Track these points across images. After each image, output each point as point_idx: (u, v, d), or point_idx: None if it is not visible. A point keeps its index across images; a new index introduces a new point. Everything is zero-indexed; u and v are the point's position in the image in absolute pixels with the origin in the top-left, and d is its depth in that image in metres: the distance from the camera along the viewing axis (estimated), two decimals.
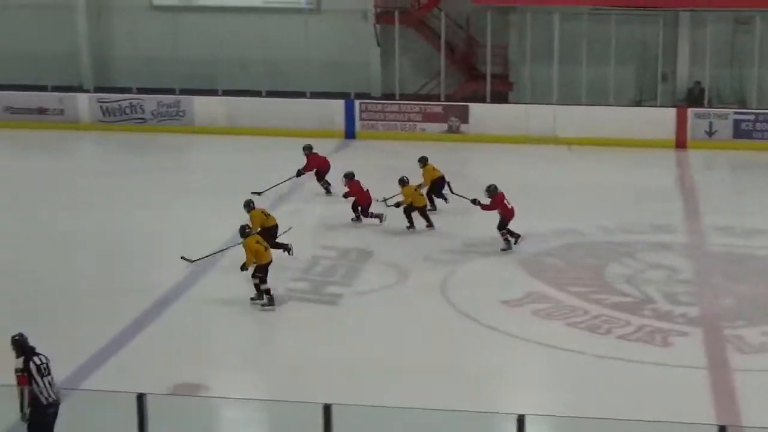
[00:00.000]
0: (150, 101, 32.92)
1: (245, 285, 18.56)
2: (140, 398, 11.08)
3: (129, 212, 23.17)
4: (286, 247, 20.15)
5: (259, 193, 23.12)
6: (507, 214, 21.17)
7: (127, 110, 33.00)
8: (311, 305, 18.50)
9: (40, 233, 22.12)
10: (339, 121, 32.06)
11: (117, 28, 35.17)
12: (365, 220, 22.71)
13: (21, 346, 12.90)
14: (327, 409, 10.92)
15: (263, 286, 18.25)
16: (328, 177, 25.20)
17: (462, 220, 22.74)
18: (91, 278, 19.88)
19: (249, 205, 20.48)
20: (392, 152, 29.76)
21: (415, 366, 15.84)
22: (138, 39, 34.51)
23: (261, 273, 18.25)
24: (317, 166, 25.31)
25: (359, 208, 22.93)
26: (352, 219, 22.90)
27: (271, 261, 18.43)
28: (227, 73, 33.77)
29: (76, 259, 21.21)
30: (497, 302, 18.47)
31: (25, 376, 12.69)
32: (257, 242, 18.33)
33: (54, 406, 12.71)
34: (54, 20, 34.34)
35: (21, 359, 12.78)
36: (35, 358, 12.80)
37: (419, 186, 22.97)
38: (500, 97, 32.97)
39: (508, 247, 21.15)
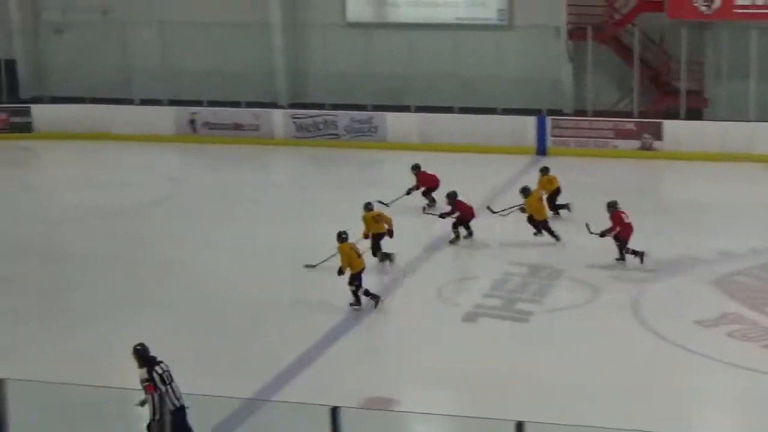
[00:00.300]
0: (343, 117, 33.43)
1: (437, 300, 18.67)
2: (334, 411, 11.16)
3: (321, 226, 23.52)
4: (389, 257, 21.00)
5: (387, 204, 23.40)
6: (625, 232, 21.08)
7: (321, 126, 33.58)
8: (502, 322, 18.48)
9: (242, 246, 22.62)
10: (530, 138, 31.95)
11: (312, 44, 35.76)
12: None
13: (142, 356, 13.28)
14: (519, 426, 10.86)
15: (359, 291, 18.69)
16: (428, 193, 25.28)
17: (651, 241, 22.38)
18: (286, 290, 20.24)
19: (367, 207, 21.36)
20: (583, 169, 29.51)
21: (607, 385, 15.65)
22: (332, 55, 35.01)
23: (356, 280, 18.70)
24: (426, 183, 25.35)
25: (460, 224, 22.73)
26: (450, 241, 22.72)
27: (365, 268, 18.88)
28: (420, 89, 33.95)
29: (274, 271, 21.61)
30: (691, 322, 18.09)
31: (151, 385, 13.04)
32: (351, 248, 18.88)
33: (181, 410, 13.02)
34: (251, 38, 35.12)
35: (144, 369, 13.13)
36: (157, 368, 13.16)
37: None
38: (695, 114, 32.34)
39: (622, 258, 21.16)
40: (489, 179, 25.14)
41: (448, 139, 32.12)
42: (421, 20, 34.81)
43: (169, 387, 13.04)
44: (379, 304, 18.84)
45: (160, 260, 22.18)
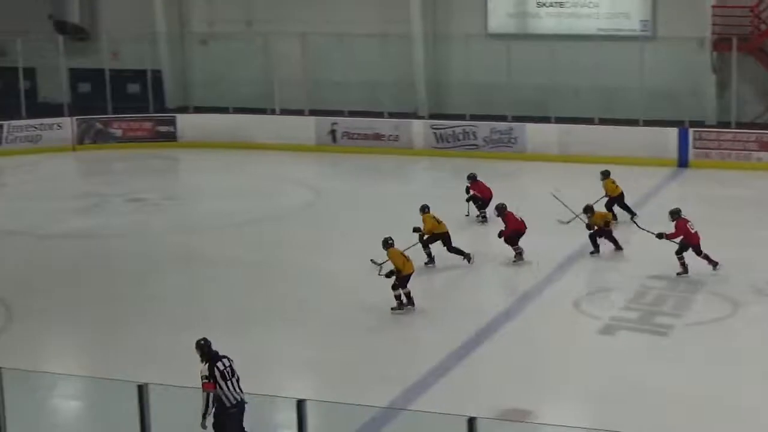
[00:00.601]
0: (483, 128, 33.44)
1: (575, 312, 18.58)
2: (471, 422, 11.16)
3: (459, 236, 23.53)
4: (467, 255, 21.71)
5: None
6: (692, 239, 20.92)
7: (460, 137, 33.65)
8: (640, 335, 18.28)
9: (381, 255, 22.75)
10: (672, 150, 31.55)
11: (452, 56, 35.82)
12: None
13: (205, 351, 13.50)
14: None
15: (396, 292, 19.25)
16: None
17: None
18: (425, 298, 20.32)
19: (424, 210, 22.24)
20: (725, 181, 29.02)
21: (752, 404, 15.37)
22: (472, 66, 35.02)
23: (401, 284, 19.27)
24: (481, 194, 25.37)
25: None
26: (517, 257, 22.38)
27: (413, 272, 19.41)
28: (560, 100, 33.76)
29: (412, 280, 21.69)
30: None
31: (210, 382, 13.20)
32: (401, 253, 19.53)
33: (238, 406, 13.19)
34: (392, 49, 35.35)
35: (206, 365, 13.33)
36: (219, 363, 13.34)
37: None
38: None
39: (684, 271, 20.96)
40: (629, 192, 24.88)
41: (587, 151, 31.88)
42: (562, 31, 34.64)
43: (229, 383, 13.25)
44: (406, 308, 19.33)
45: (298, 269, 22.46)
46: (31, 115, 36.02)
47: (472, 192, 25.55)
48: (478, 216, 25.46)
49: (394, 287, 19.40)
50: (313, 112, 35.61)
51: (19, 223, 26.64)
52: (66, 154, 35.37)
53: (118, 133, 36.23)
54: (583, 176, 27.34)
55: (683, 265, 21.05)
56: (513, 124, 33.27)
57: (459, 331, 18.25)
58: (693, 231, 21.10)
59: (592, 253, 22.53)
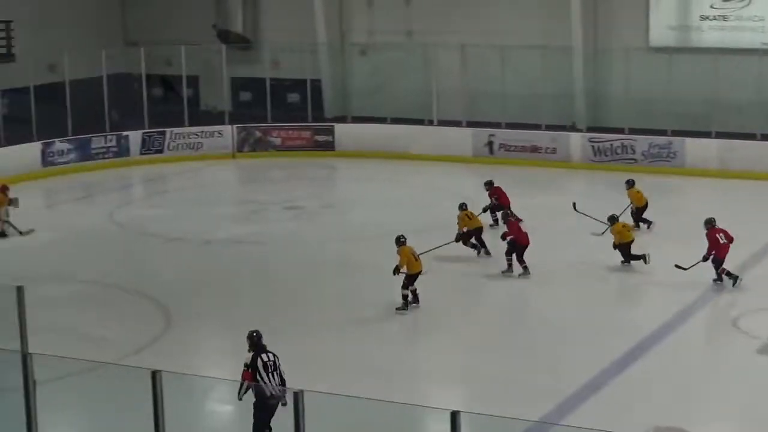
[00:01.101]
0: (641, 142, 33.00)
1: (733, 330, 18.20)
2: None
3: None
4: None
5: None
6: (719, 252, 20.96)
7: (618, 150, 33.26)
8: None
9: (537, 266, 22.63)
10: None
11: (612, 68, 35.36)
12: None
13: (254, 342, 14.47)
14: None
15: (404, 291, 20.01)
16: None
17: None
18: (581, 312, 20.15)
19: (462, 207, 23.92)
20: None
21: None
22: (632, 79, 34.54)
23: (408, 282, 20.01)
24: (499, 199, 26.00)
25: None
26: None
27: (421, 272, 20.17)
28: (721, 114, 33.06)
29: (568, 294, 21.57)
30: None
31: (249, 372, 14.31)
32: (411, 252, 20.31)
33: (275, 399, 13.95)
34: (552, 61, 35.10)
35: (251, 355, 14.31)
36: (263, 356, 14.31)
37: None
38: None
39: (731, 278, 21.11)
40: None
41: (749, 167, 31.19)
42: (725, 45, 33.90)
43: (270, 375, 14.19)
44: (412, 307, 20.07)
45: (453, 280, 22.49)
46: (193, 122, 36.81)
47: (491, 200, 26.22)
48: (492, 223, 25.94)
49: (404, 286, 20.02)
50: (471, 124, 35.59)
51: (179, 229, 27.24)
52: (226, 161, 36.06)
53: (277, 141, 36.79)
54: (744, 192, 26.76)
55: (728, 274, 21.18)
56: (672, 138, 32.75)
57: (612, 348, 18.06)
58: (723, 243, 21.11)
59: (623, 262, 22.67)
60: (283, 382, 14.31)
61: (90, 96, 35.07)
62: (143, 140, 35.84)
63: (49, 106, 34.34)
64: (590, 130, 34.79)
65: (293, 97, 38.74)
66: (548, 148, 34.17)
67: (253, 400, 14.11)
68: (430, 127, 36.14)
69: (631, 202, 25.68)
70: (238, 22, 39.82)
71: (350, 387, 14.44)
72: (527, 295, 21.50)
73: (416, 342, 19.13)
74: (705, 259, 21.20)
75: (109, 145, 35.38)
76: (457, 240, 23.77)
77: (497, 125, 35.05)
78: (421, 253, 21.07)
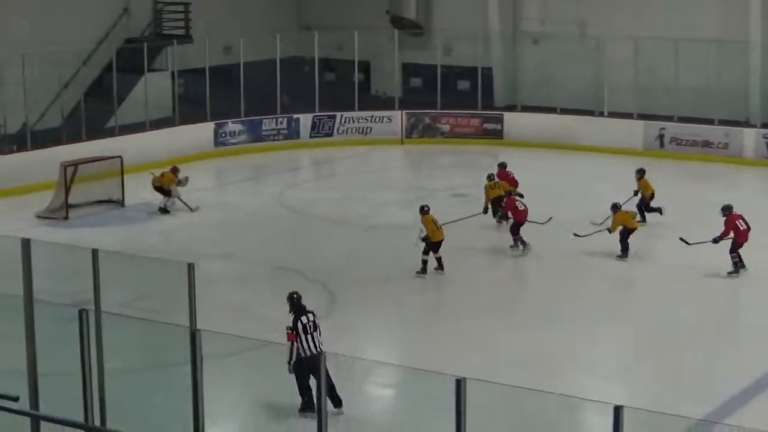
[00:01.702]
0: None
1: None
2: None
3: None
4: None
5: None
6: (739, 237, 20.95)
7: None
8: None
9: (691, 263, 22.29)
10: None
11: None
12: None
13: (295, 303, 14.85)
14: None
15: (425, 257, 21.59)
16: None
17: None
18: (737, 313, 19.78)
19: (489, 178, 25.85)
20: None
21: None
22: None
23: (432, 249, 21.51)
24: (507, 182, 26.33)
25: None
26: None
27: (443, 239, 21.56)
28: None
29: (722, 293, 21.21)
30: None
31: (293, 333, 14.63)
32: (432, 220, 21.81)
33: (312, 360, 14.32)
34: (727, 55, 34.33)
35: (292, 317, 14.63)
36: (303, 317, 14.71)
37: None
38: None
39: (735, 271, 21.32)
40: None
41: None
42: None
43: (309, 336, 14.63)
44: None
45: (615, 273, 22.29)
46: (362, 107, 37.12)
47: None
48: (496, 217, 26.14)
49: (425, 252, 21.65)
50: (642, 116, 35.05)
51: (346, 213, 27.55)
52: (394, 146, 36.28)
53: (446, 128, 36.85)
54: None
55: (735, 264, 21.30)
56: None
57: None
58: (743, 228, 21.28)
59: (619, 256, 22.84)
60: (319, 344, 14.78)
61: (263, 79, 35.68)
62: (313, 123, 36.32)
63: (223, 87, 35.06)
64: (765, 126, 33.93)
65: (463, 85, 38.73)
66: (720, 143, 33.46)
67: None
68: (600, 119, 35.71)
69: (640, 191, 25.82)
70: (411, 8, 39.96)
71: (503, 375, 14.39)
72: (692, 292, 21.11)
73: (572, 332, 18.96)
74: (715, 241, 21.54)
75: (279, 127, 35.97)
76: (484, 212, 25.49)
77: (669, 119, 34.47)
78: (444, 223, 22.45)
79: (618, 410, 8.75)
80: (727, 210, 21.74)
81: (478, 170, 33.12)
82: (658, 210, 25.57)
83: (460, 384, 9.06)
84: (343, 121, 36.58)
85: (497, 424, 13.82)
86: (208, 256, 22.83)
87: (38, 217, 26.51)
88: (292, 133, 36.10)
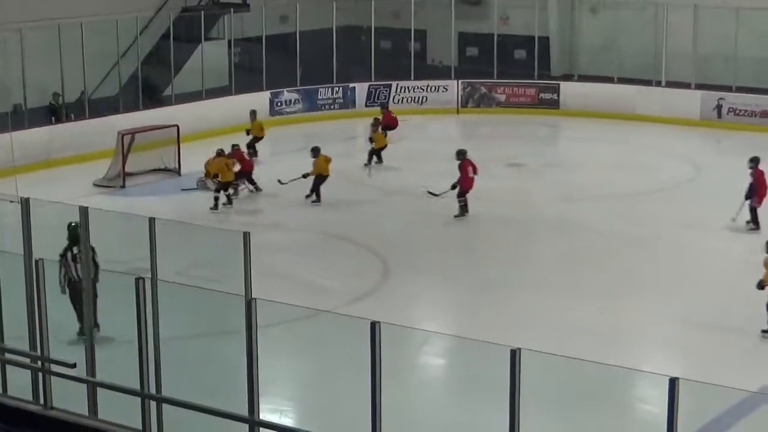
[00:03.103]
0: None
1: None
2: None
3: None
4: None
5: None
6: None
7: None
8: None
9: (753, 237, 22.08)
10: None
11: None
12: None
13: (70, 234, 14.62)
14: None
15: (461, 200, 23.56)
16: None
17: None
18: None
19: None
20: None
21: None
22: None
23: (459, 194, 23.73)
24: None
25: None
26: None
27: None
28: None
29: None
30: None
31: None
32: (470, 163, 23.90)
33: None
34: None
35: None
36: (74, 248, 14.36)
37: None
38: None
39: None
40: None
41: None
42: None
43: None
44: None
45: (674, 244, 22.11)
46: (419, 76, 37.01)
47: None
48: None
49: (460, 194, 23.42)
50: (700, 86, 34.66)
51: (400, 182, 27.53)
52: (450, 116, 36.18)
53: (502, 98, 36.67)
54: None
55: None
56: None
57: None
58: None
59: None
60: None
61: (319, 47, 35.67)
62: (369, 93, 36.28)
63: (279, 56, 35.11)
64: None
65: (520, 54, 38.47)
66: None
67: None
68: (658, 89, 35.35)
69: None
70: None
71: (559, 347, 14.34)
72: (739, 266, 20.88)
73: (627, 304, 18.85)
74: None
75: (335, 96, 35.97)
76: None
77: (728, 89, 34.07)
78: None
79: (673, 382, 8.69)
80: (754, 162, 22.58)
81: (534, 140, 33.07)
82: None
83: (514, 354, 9.05)
84: (398, 90, 36.51)
85: (551, 395, 13.80)
86: (262, 225, 22.94)
87: (96, 185, 26.74)
88: (348, 102, 36.10)
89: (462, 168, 24.07)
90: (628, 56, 35.87)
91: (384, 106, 31.60)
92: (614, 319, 18.12)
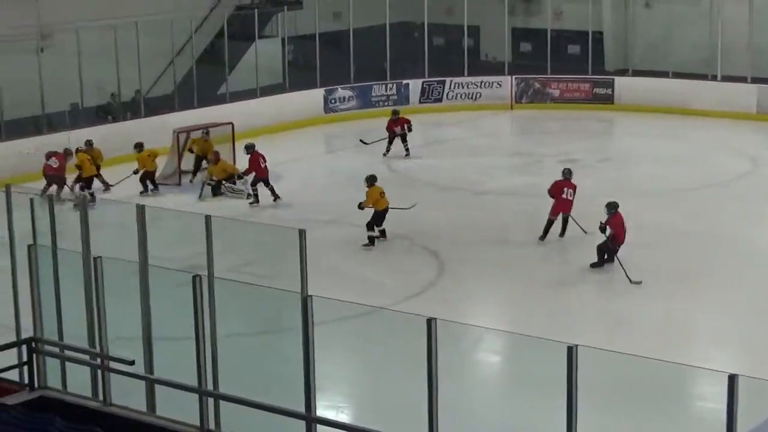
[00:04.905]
0: None
1: None
2: None
3: None
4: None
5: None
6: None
7: None
8: None
9: None
10: None
11: None
12: None
13: None
14: None
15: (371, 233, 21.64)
16: None
17: None
18: None
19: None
20: None
21: None
22: None
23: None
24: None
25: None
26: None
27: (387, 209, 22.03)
28: None
29: None
30: None
31: None
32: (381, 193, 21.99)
33: None
34: None
35: None
36: None
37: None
38: None
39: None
40: None
41: None
42: None
43: None
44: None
45: (730, 239, 21.96)
46: (472, 72, 36.94)
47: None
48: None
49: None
50: (756, 80, 34.32)
51: (455, 178, 27.51)
52: (503, 112, 36.09)
53: (556, 93, 36.53)
54: None
55: None
56: None
57: None
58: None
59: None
60: None
61: (372, 44, 35.70)
62: (422, 89, 36.26)
63: (333, 53, 35.17)
64: None
65: (573, 49, 38.29)
66: None
67: None
68: (713, 83, 35.04)
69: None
70: None
71: (613, 342, 14.27)
72: None
73: (683, 299, 18.73)
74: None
75: (389, 93, 35.98)
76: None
77: None
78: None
79: (732, 379, 8.63)
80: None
81: (588, 136, 32.92)
82: None
83: (571, 351, 9.02)
84: (452, 86, 36.46)
85: (608, 392, 13.73)
86: (316, 222, 22.99)
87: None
88: (402, 98, 36.08)
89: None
90: (682, 50, 35.59)
91: (395, 113, 30.30)
92: (673, 315, 18.03)
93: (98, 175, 26.24)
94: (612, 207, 20.51)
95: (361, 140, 26.84)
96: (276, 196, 25.36)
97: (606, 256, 20.23)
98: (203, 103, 31.91)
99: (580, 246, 21.87)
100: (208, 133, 27.81)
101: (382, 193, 22.18)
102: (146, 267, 11.36)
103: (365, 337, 16.68)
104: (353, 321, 16.68)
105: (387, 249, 22.12)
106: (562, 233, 21.81)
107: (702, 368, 13.44)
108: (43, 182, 24.61)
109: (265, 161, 25.55)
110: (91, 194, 24.80)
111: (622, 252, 20.03)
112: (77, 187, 25.32)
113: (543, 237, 21.77)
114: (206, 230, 11.24)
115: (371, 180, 22.47)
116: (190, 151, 27.55)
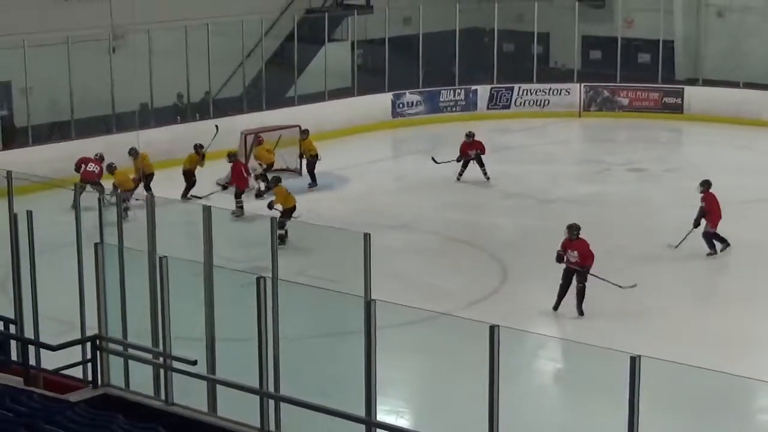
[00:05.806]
0: None
1: None
2: None
3: None
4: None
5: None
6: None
7: None
8: None
9: None
10: None
11: None
12: None
13: None
14: None
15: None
16: None
17: None
18: None
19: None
20: None
21: None
22: None
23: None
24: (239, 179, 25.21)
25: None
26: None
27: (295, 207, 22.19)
28: None
29: None
30: None
31: None
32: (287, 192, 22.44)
33: None
34: None
35: None
36: None
37: None
38: None
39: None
40: None
41: None
42: None
43: None
44: None
45: None
46: (541, 79, 36.81)
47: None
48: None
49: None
50: None
51: (521, 185, 27.42)
52: (572, 120, 35.91)
53: (625, 102, 36.28)
54: None
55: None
56: None
57: None
58: None
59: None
60: None
61: (441, 49, 35.69)
62: (491, 95, 36.20)
63: (402, 58, 35.21)
64: None
65: (644, 58, 38.03)
66: None
67: None
68: None
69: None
70: None
71: (678, 354, 14.16)
72: None
73: (741, 312, 18.52)
74: None
75: (457, 98, 35.97)
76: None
77: None
78: None
79: None
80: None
81: (657, 145, 32.68)
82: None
83: (634, 362, 8.94)
84: (520, 93, 36.36)
85: (669, 403, 13.61)
86: (382, 226, 23.00)
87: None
88: (470, 104, 36.05)
89: None
90: (754, 61, 35.20)
91: (469, 135, 28.41)
92: (739, 327, 17.83)
93: (147, 187, 25.22)
94: (705, 185, 21.03)
95: (432, 158, 26.87)
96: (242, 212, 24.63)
97: (715, 239, 20.59)
98: (272, 106, 32.07)
99: (644, 256, 21.72)
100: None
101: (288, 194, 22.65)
102: (211, 267, 11.43)
103: (427, 342, 16.67)
104: (416, 326, 16.68)
105: (451, 254, 22.10)
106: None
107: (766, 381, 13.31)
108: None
109: (247, 172, 25.82)
110: (125, 209, 23.29)
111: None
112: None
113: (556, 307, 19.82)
114: (271, 233, 11.31)
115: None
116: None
